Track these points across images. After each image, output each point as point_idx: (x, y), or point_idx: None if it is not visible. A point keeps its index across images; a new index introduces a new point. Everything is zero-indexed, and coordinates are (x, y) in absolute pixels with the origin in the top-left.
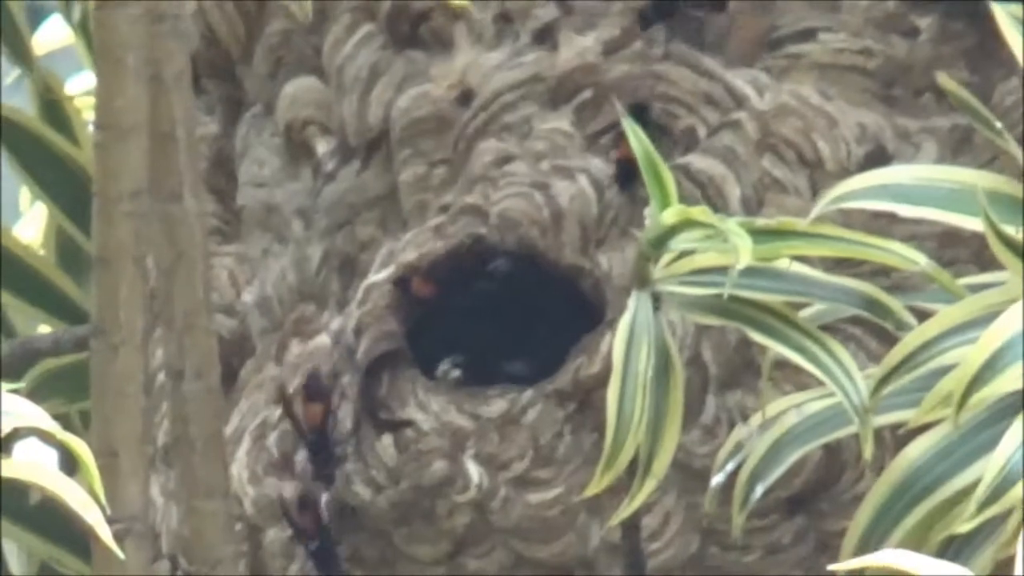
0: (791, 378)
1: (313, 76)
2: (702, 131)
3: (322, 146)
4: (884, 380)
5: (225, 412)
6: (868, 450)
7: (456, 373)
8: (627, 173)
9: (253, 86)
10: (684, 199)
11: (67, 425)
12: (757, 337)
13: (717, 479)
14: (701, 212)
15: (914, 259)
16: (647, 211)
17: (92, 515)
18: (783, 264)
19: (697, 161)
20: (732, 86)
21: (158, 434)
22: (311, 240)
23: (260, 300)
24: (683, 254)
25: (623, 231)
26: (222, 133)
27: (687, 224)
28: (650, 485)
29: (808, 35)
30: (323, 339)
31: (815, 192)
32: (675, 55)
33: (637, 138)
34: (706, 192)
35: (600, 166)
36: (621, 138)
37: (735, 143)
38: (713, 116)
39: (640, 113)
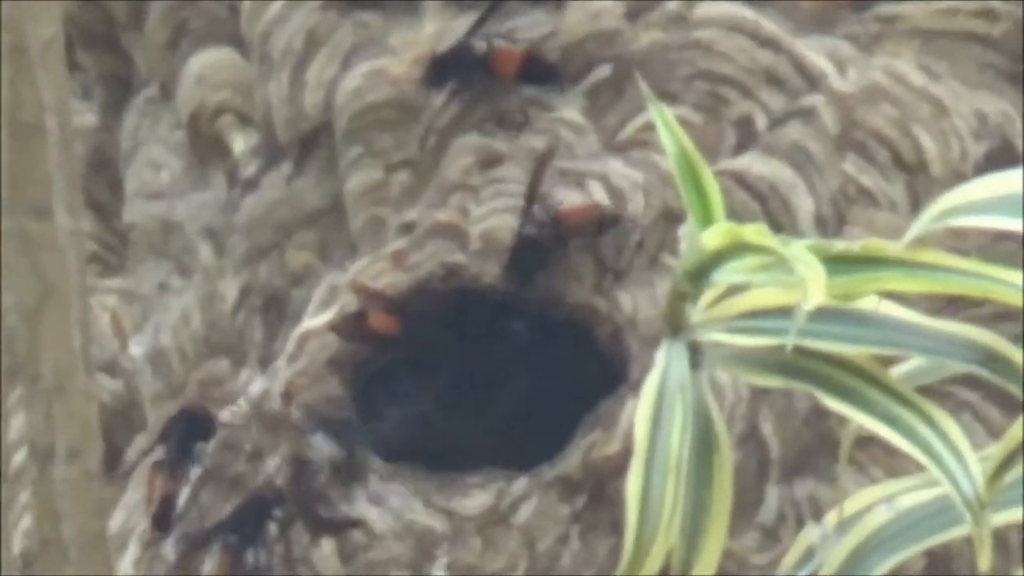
0: (880, 460)
1: (228, 46)
2: (761, 122)
3: (240, 143)
4: (1006, 463)
5: (108, 505)
6: (985, 559)
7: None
8: None
9: (145, 60)
10: (735, 215)
11: None
12: (833, 404)
13: None
14: (756, 232)
15: None
16: (683, 231)
17: None
18: (870, 304)
19: (755, 163)
20: (803, 60)
21: (14, 537)
22: (224, 271)
23: (153, 353)
24: (732, 290)
25: (652, 259)
26: (103, 125)
27: (737, 248)
28: None
29: None
30: (239, 407)
31: (915, 205)
32: (724, 17)
33: (670, 131)
34: (766, 206)
35: (621, 169)
36: None
37: (807, 138)
38: (777, 101)
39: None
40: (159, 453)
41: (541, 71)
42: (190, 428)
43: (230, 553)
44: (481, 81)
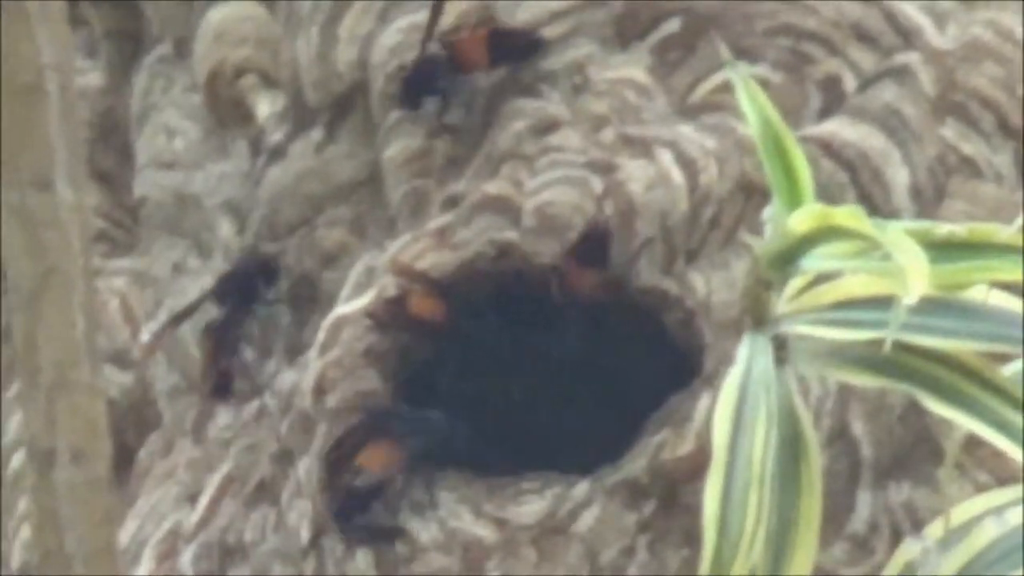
0: (987, 463)
1: None
2: (850, 82)
3: (264, 106)
4: None
5: (118, 514)
6: None
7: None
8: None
9: (158, 14)
10: (820, 188)
11: None
12: (936, 406)
13: None
14: (850, 215)
15: None
16: (766, 212)
17: None
18: (977, 295)
19: (842, 129)
20: (897, 13)
21: (13, 548)
22: (248, 250)
23: (169, 342)
24: (821, 278)
25: (728, 237)
26: (110, 86)
27: (828, 233)
28: None
29: None
30: (265, 403)
31: None
32: None
33: (753, 99)
34: (856, 177)
35: (694, 136)
36: None
37: (902, 101)
38: (868, 59)
39: None
40: (216, 314)
41: (515, 44)
42: (251, 279)
43: (212, 337)
44: (460, 81)
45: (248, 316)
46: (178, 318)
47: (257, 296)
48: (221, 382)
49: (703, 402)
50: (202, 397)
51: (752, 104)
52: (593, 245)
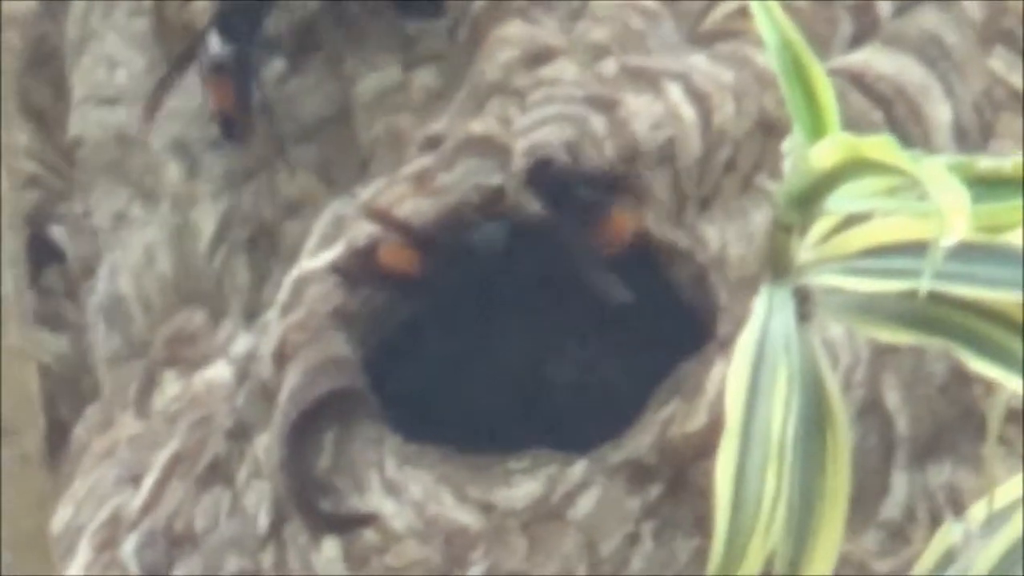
0: None
1: None
2: (885, 7)
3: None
4: None
5: (51, 497)
6: None
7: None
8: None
9: None
10: (852, 126)
11: None
12: (978, 364)
13: None
14: (881, 146)
15: None
16: (786, 145)
17: None
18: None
19: (876, 59)
20: None
21: None
22: (199, 197)
23: (109, 303)
24: (850, 221)
25: (745, 182)
26: (44, 10)
27: (856, 167)
28: None
29: None
30: (219, 371)
31: None
32: None
33: (771, 18)
34: (891, 114)
35: (707, 67)
36: None
37: (943, 28)
38: None
39: None
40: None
41: None
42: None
43: (225, 73)
44: None
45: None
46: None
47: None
48: (230, 122)
49: (716, 371)
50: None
51: (770, 23)
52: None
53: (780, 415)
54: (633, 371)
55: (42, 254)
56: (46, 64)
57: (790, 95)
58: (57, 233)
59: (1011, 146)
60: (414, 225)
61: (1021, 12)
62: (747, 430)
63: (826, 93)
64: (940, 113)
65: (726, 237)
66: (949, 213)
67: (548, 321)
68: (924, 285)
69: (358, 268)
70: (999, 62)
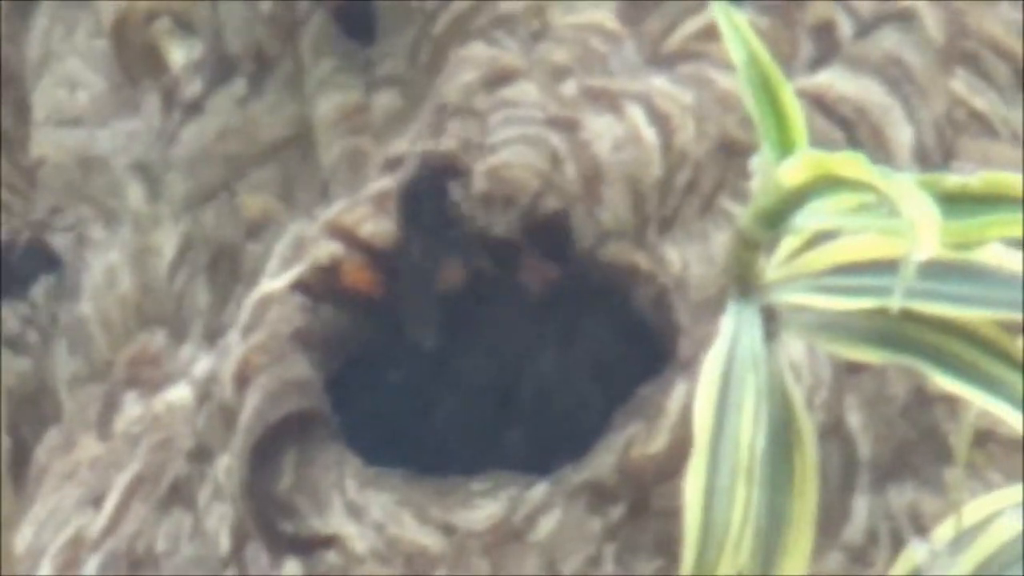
0: (1000, 462)
1: None
2: (846, 28)
3: (179, 54)
4: None
5: (13, 518)
6: None
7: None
8: None
9: None
10: (814, 147)
11: None
12: (947, 382)
13: None
14: (850, 162)
15: None
16: (753, 162)
17: None
18: (991, 256)
19: (837, 81)
20: None
21: None
22: (160, 219)
23: (70, 324)
24: (818, 238)
25: (707, 204)
26: (4, 31)
27: (825, 184)
28: None
29: None
30: (180, 392)
31: None
32: None
33: (738, 34)
34: (853, 135)
35: (668, 88)
36: None
37: (905, 49)
38: (866, 2)
39: None
40: None
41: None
42: None
43: None
44: None
45: None
46: None
47: None
48: None
49: (678, 392)
50: None
51: (737, 39)
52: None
53: (748, 433)
54: (593, 392)
55: (5, 277)
56: (6, 85)
57: (758, 111)
58: (19, 255)
59: (972, 168)
60: (377, 244)
61: (983, 34)
62: (716, 448)
63: (794, 109)
64: (902, 134)
65: (687, 259)
66: (920, 229)
67: (509, 343)
68: (895, 302)
69: (320, 286)
70: (960, 83)
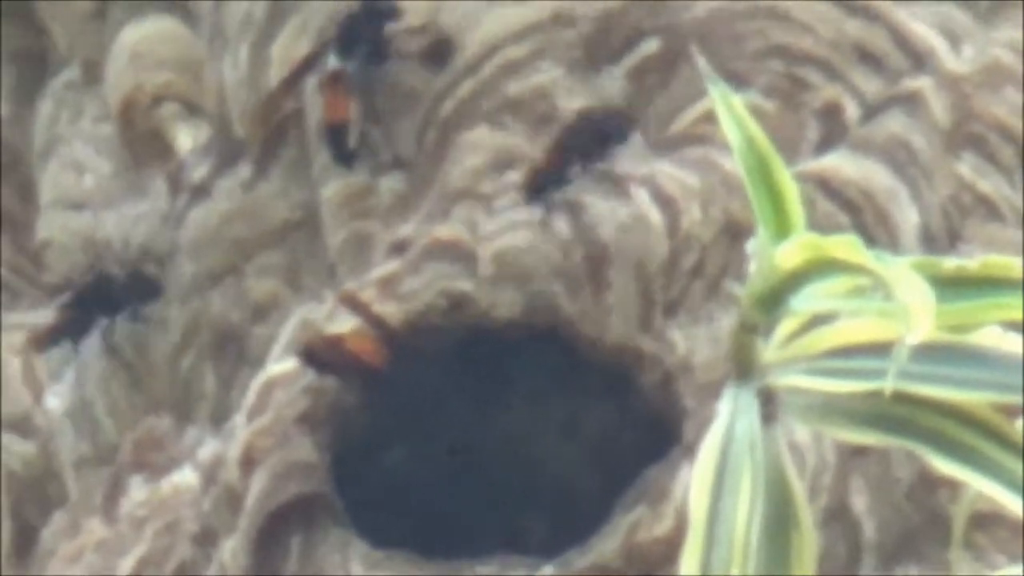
0: (1003, 543)
1: (170, 15)
2: (852, 111)
3: (185, 138)
4: None
5: None
6: None
7: None
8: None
9: (65, 32)
10: (819, 229)
11: None
12: (945, 465)
13: None
14: (845, 246)
15: None
16: (751, 245)
17: None
18: (990, 338)
19: (844, 164)
20: (905, 32)
21: None
22: (167, 302)
23: (76, 408)
24: (815, 321)
25: (713, 287)
26: (10, 116)
27: (821, 267)
28: None
29: None
30: (186, 476)
31: None
32: None
33: (735, 119)
34: (859, 218)
35: (674, 171)
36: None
37: (911, 132)
38: (873, 85)
39: None
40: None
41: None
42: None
43: (343, 84)
44: None
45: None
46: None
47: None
48: (340, 136)
49: (683, 475)
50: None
51: (734, 124)
52: None
53: (744, 517)
54: (599, 476)
55: None
56: (13, 169)
57: (755, 194)
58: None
59: (979, 251)
60: (384, 318)
61: (989, 117)
62: (711, 531)
63: (791, 192)
64: (907, 218)
65: (693, 342)
66: (914, 312)
67: (513, 426)
68: (888, 384)
69: (325, 353)
70: (966, 167)
